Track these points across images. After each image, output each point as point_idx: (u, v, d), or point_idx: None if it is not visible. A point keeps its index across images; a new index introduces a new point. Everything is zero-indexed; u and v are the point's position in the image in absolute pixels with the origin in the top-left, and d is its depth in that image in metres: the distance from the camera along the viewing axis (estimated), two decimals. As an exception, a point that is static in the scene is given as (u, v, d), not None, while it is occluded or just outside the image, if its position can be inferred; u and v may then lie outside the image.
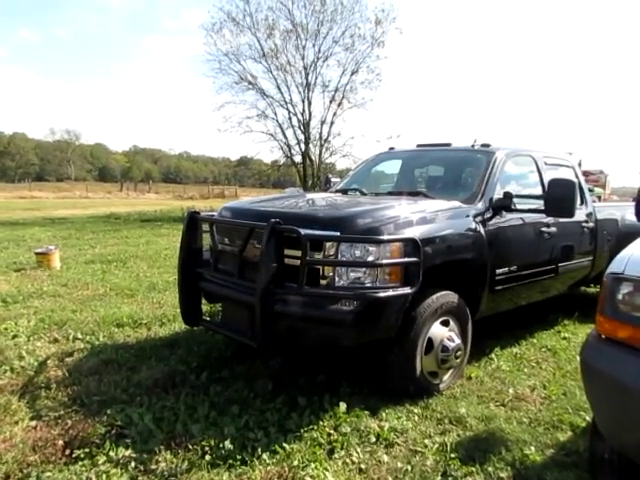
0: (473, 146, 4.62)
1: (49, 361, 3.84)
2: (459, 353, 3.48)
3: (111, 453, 2.57)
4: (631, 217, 5.14)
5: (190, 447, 2.65)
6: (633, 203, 3.44)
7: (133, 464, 2.50)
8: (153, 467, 2.49)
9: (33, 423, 2.89)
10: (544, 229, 4.36)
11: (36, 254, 7.89)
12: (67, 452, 2.59)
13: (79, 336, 4.41)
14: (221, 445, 2.66)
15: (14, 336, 4.37)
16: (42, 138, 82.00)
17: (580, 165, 6.00)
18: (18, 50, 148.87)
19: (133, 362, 3.84)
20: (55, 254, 7.91)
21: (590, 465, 2.43)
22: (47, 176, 71.79)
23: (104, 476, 2.39)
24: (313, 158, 23.33)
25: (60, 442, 2.67)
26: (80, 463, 2.50)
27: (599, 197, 12.26)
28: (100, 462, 2.50)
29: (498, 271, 3.88)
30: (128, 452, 2.59)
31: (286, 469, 2.50)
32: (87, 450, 2.60)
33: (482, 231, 3.71)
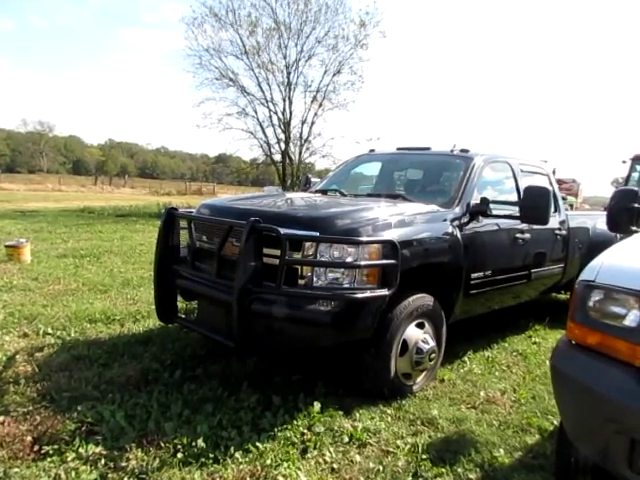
0: (452, 151, 4.68)
1: (18, 356, 3.76)
2: (433, 355, 3.52)
3: (81, 450, 2.53)
4: (602, 226, 5.26)
5: (162, 445, 2.63)
6: (604, 212, 3.53)
7: (103, 461, 2.47)
8: (123, 464, 2.46)
9: (0, 418, 2.82)
10: (518, 235, 4.44)
11: (6, 247, 7.69)
12: (35, 448, 2.54)
13: (50, 331, 4.32)
14: (194, 443, 2.64)
15: (-18, 330, 4.25)
16: (14, 129, 80.00)
17: (554, 173, 6.12)
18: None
19: (105, 359, 3.78)
20: (26, 247, 7.73)
21: (556, 469, 2.48)
22: (18, 168, 69.92)
23: (73, 473, 2.35)
24: (293, 157, 23.23)
25: (28, 438, 2.62)
26: (49, 459, 2.45)
27: (571, 205, 12.56)
28: (69, 459, 2.46)
29: (473, 275, 3.94)
30: (98, 449, 2.56)
31: (259, 468, 2.50)
32: (56, 446, 2.55)
33: (459, 235, 3.76)
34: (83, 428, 2.76)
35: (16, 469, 2.37)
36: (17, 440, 2.60)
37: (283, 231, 2.94)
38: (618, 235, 4.04)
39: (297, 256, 3.08)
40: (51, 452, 2.51)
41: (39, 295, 5.59)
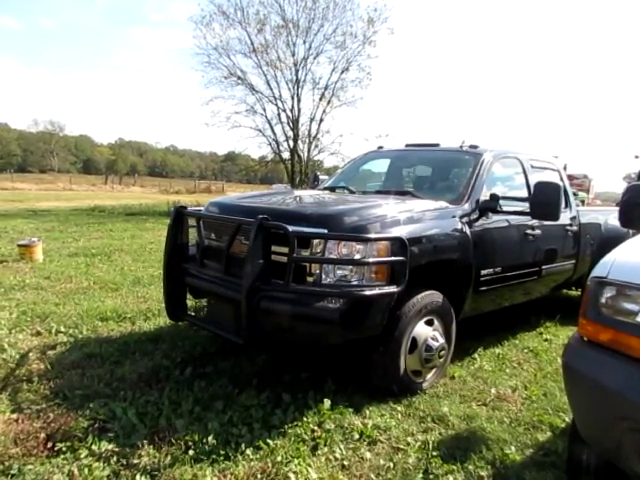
0: (461, 147, 4.65)
1: (31, 354, 3.80)
2: (443, 352, 3.51)
3: (93, 447, 2.55)
4: (614, 222, 5.22)
5: (173, 442, 2.64)
6: (616, 208, 3.48)
7: (115, 458, 2.49)
8: (136, 461, 2.48)
9: (14, 416, 2.86)
10: (529, 231, 4.41)
11: (18, 246, 7.78)
12: (49, 445, 2.57)
13: (62, 329, 4.36)
14: (205, 440, 2.66)
15: (-5, 328, 4.30)
16: (25, 129, 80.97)
17: (565, 169, 6.06)
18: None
19: (117, 356, 3.81)
20: (38, 246, 7.80)
21: (568, 466, 2.46)
22: (30, 167, 70.72)
23: (86, 470, 2.37)
24: (301, 155, 23.25)
25: (42, 435, 2.65)
26: (62, 456, 2.48)
27: (583, 201, 12.44)
28: (82, 456, 2.48)
29: (483, 272, 3.92)
30: (111, 446, 2.58)
31: (269, 465, 2.51)
32: (69, 443, 2.58)
33: (468, 232, 3.74)
34: (95, 425, 2.79)
35: (30, 466, 2.39)
36: (31, 437, 2.63)
37: (291, 228, 2.94)
38: (630, 231, 3.99)
39: (305, 253, 3.08)
40: (64, 449, 2.54)
41: (51, 294, 5.64)
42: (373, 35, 21.73)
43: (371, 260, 2.98)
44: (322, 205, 3.97)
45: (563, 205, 4.57)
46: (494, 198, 3.99)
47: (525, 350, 4.49)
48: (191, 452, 2.56)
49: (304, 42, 22.02)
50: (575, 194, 7.97)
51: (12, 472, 2.34)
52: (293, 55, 22.17)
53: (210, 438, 2.67)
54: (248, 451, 2.60)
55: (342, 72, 22.29)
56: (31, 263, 7.40)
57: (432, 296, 3.45)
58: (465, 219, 3.79)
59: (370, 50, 22.11)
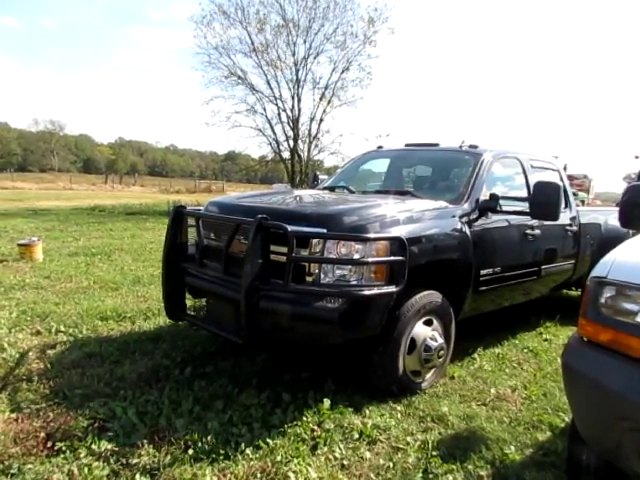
0: (461, 147, 4.65)
1: (31, 353, 3.80)
2: (442, 353, 3.51)
3: (93, 446, 2.56)
4: (614, 222, 5.22)
5: (173, 441, 2.64)
6: (616, 208, 3.48)
7: (115, 457, 2.49)
8: (135, 461, 2.48)
9: (14, 415, 2.86)
10: (528, 231, 4.41)
11: (19, 245, 7.78)
12: (49, 445, 2.57)
13: (62, 329, 4.36)
14: (204, 440, 2.66)
15: (-5, 327, 4.30)
16: (25, 128, 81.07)
17: (565, 169, 6.06)
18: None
19: (117, 356, 3.81)
20: (38, 246, 7.80)
21: (568, 466, 2.46)
22: (30, 167, 70.71)
23: (86, 469, 2.37)
24: (301, 155, 23.26)
25: (42, 434, 2.65)
26: (62, 456, 2.48)
27: (583, 202, 12.44)
28: (82, 455, 2.48)
29: (482, 272, 3.92)
30: (110, 445, 2.58)
31: (269, 464, 2.51)
32: (69, 443, 2.58)
33: (467, 232, 3.74)
34: (95, 425, 2.79)
35: (30, 465, 2.39)
36: (31, 437, 2.64)
37: (290, 228, 2.94)
38: (630, 231, 3.99)
39: (305, 253, 3.08)
40: (64, 448, 2.54)
41: (51, 293, 5.64)
42: (373, 35, 21.76)
43: (370, 260, 2.98)
44: (321, 205, 3.96)
45: (563, 205, 4.57)
46: (494, 198, 3.98)
47: (525, 350, 4.49)
48: (191, 451, 2.56)
49: (304, 42, 22.06)
50: (575, 194, 7.97)
51: (12, 471, 2.35)
52: (293, 55, 22.20)
53: (210, 437, 2.68)
54: (248, 450, 2.60)
55: (342, 72, 22.32)
56: (31, 262, 7.40)
57: (431, 296, 3.44)
58: (465, 219, 3.79)
59: (370, 50, 22.15)
